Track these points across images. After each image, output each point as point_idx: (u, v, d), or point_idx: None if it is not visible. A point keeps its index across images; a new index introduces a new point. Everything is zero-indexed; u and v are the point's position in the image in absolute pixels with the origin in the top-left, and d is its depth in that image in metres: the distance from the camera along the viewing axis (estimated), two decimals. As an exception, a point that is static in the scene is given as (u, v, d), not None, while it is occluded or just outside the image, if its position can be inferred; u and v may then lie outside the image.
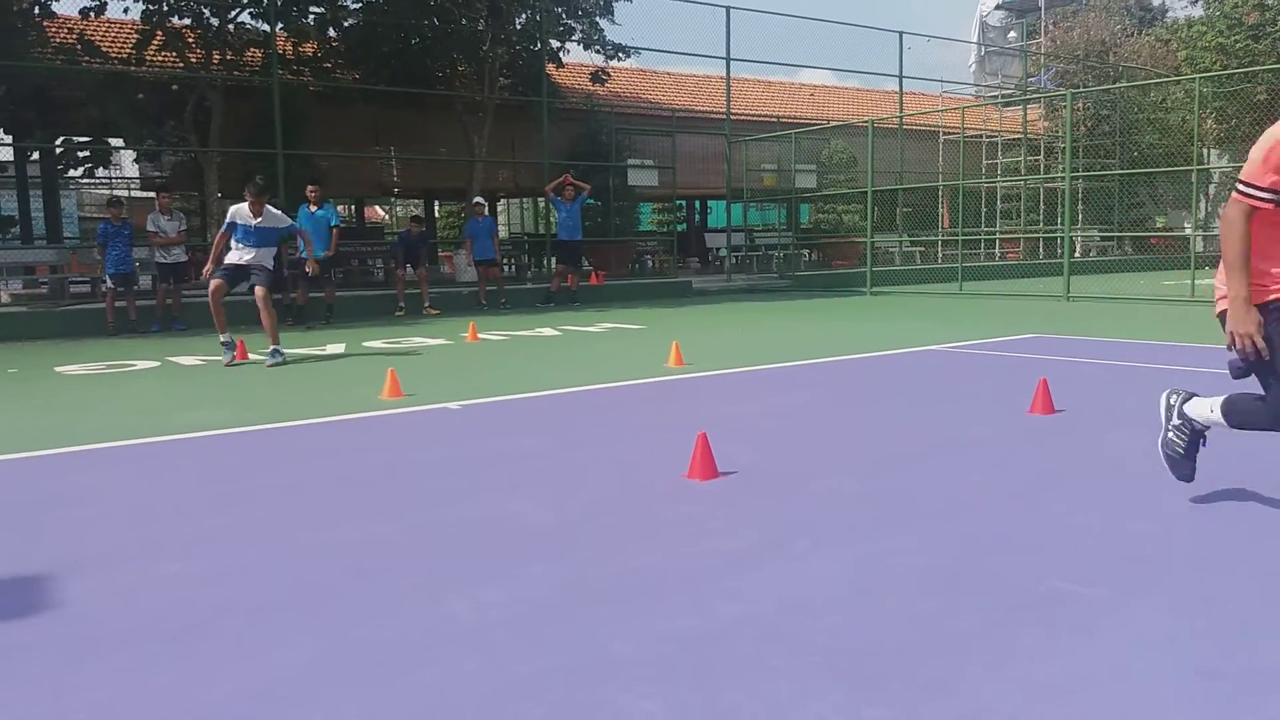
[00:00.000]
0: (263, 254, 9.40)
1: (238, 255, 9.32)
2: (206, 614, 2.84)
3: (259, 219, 9.30)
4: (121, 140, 18.74)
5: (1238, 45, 28.65)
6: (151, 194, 34.98)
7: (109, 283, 12.81)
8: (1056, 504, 3.85)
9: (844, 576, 3.05)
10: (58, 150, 19.43)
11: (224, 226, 9.45)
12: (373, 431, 5.78)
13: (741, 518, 3.77)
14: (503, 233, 34.84)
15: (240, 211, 9.30)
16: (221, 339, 9.20)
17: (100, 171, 23.56)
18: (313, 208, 13.12)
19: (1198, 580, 2.96)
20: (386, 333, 12.06)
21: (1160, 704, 2.18)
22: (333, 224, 13.22)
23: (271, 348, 9.10)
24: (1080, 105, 26.77)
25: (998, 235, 26.54)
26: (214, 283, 9.16)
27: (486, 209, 17.00)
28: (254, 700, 2.29)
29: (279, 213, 9.68)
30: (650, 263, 23.75)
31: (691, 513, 3.82)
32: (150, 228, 13.13)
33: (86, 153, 20.35)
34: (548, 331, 11.86)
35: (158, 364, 9.29)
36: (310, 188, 13.26)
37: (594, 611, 2.80)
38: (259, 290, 9.18)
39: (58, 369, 9.07)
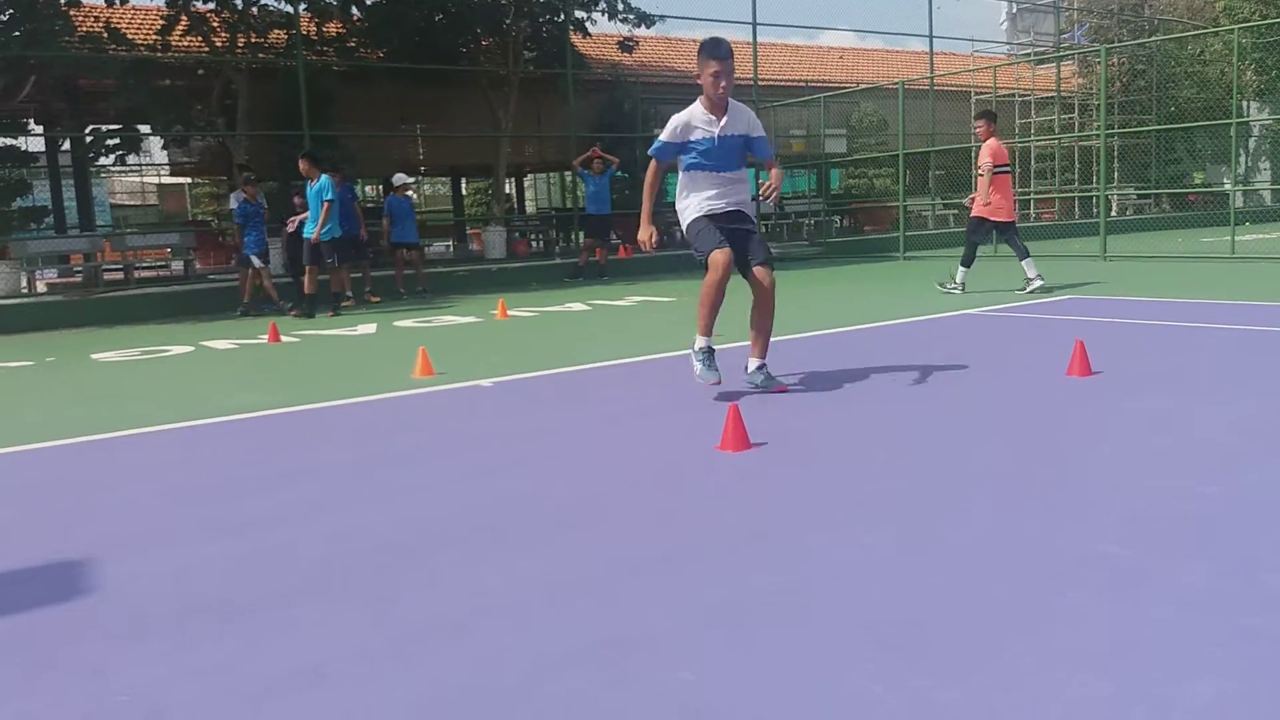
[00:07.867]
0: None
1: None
2: (249, 594, 2.87)
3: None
4: (149, 127, 18.86)
5: (1277, -6, 27.90)
6: (184, 180, 35.19)
7: (255, 262, 12.57)
8: (1095, 467, 3.79)
9: (883, 546, 3.02)
10: (88, 139, 19.60)
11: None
12: (406, 410, 5.80)
13: (775, 489, 3.75)
14: (530, 208, 34.75)
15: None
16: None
17: (130, 158, 23.78)
18: (313, 184, 12.69)
19: (1241, 541, 2.90)
20: (417, 312, 12.10)
21: (1205, 665, 2.14)
22: (326, 198, 12.08)
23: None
24: (1115, 61, 26.23)
25: (1032, 195, 26.12)
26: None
27: (409, 189, 15.38)
28: (301, 678, 2.30)
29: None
30: (678, 234, 23.60)
31: (724, 484, 3.80)
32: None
33: (116, 140, 20.53)
34: (577, 306, 11.84)
35: (192, 349, 9.38)
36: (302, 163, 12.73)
37: (630, 584, 2.80)
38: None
39: (94, 356, 9.19)
